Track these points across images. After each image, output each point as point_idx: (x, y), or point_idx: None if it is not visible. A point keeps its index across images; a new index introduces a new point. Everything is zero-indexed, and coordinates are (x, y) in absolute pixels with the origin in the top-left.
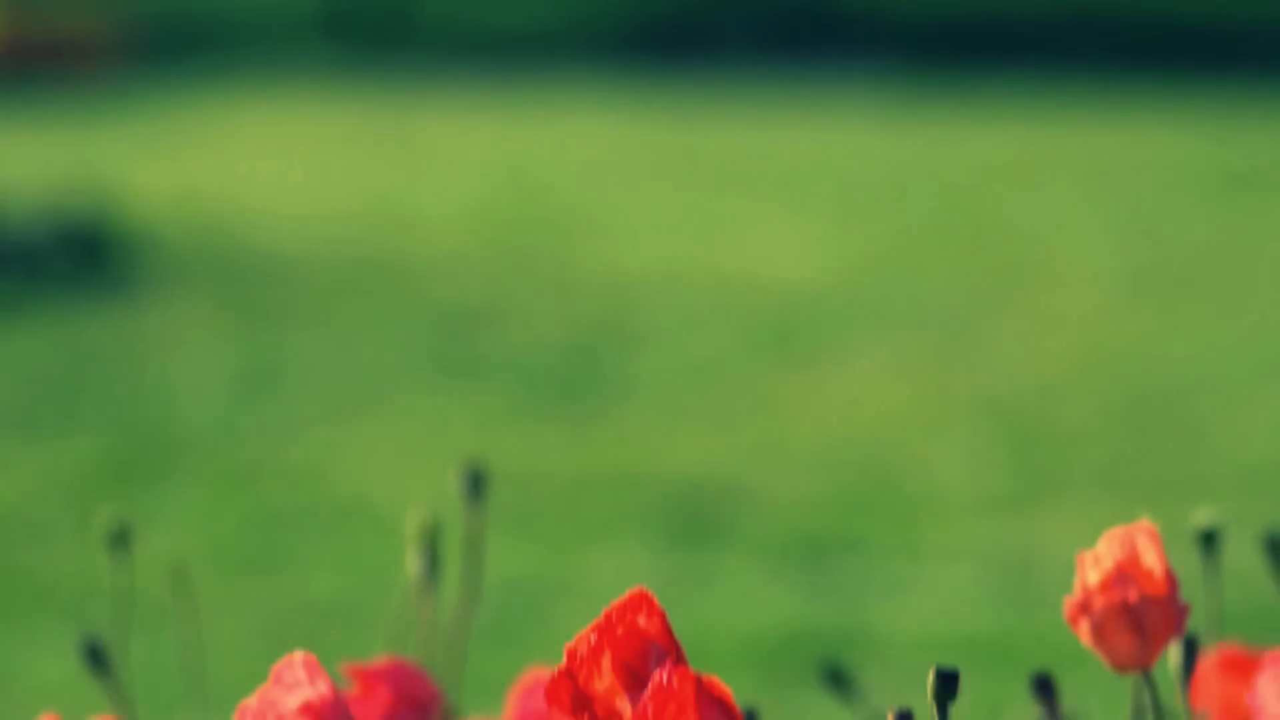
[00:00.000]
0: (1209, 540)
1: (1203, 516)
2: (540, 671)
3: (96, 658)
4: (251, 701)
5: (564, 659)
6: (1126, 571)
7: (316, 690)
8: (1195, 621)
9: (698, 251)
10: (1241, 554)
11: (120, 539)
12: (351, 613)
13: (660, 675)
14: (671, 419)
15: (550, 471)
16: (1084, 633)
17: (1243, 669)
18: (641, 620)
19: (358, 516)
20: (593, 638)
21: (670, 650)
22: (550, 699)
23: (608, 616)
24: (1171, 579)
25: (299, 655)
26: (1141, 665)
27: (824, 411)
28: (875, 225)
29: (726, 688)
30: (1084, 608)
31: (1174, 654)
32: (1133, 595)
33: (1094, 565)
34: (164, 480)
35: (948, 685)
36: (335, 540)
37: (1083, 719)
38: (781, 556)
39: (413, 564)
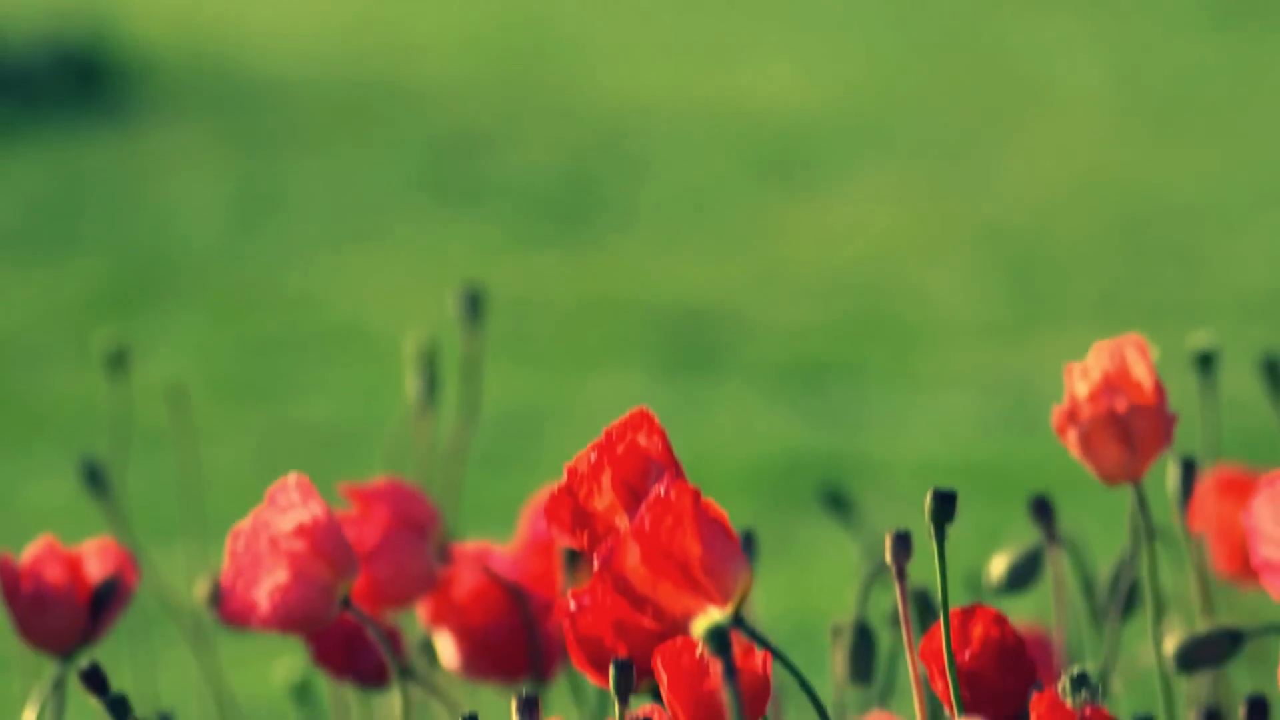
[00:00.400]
0: (1206, 362)
1: (1200, 339)
2: (549, 494)
3: (95, 479)
4: (245, 524)
5: (564, 477)
6: (1114, 382)
7: (310, 512)
8: (1192, 445)
9: (698, 78)
10: (1239, 380)
11: (117, 361)
12: (349, 438)
13: (659, 488)
14: (670, 246)
15: (549, 298)
16: (1072, 443)
17: (1240, 491)
18: (642, 439)
19: (356, 342)
20: (593, 456)
21: (670, 469)
22: (550, 517)
23: (608, 435)
24: (1160, 389)
25: (292, 477)
26: (1130, 476)
27: (823, 238)
28: (876, 52)
29: (722, 510)
30: (1072, 417)
31: (1171, 475)
32: (1120, 405)
33: (1082, 376)
34: (162, 306)
35: (945, 506)
36: (333, 366)
37: (1080, 542)
38: (780, 383)
39: (411, 387)
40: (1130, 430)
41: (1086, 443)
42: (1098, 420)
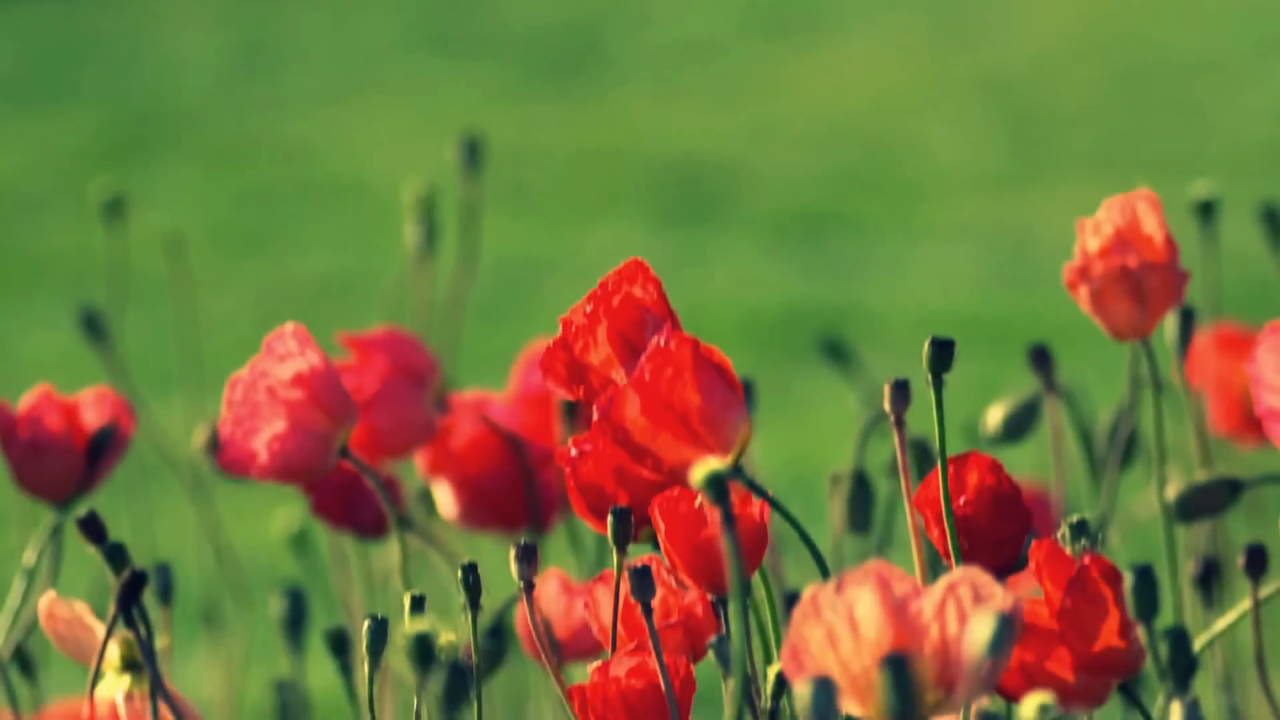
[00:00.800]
0: (1206, 211)
1: (1200, 188)
2: (544, 345)
3: (93, 328)
4: (243, 373)
5: (558, 330)
6: (1126, 237)
7: (308, 360)
8: (1192, 296)
9: None
10: (1239, 232)
11: (114, 211)
12: (347, 288)
13: (658, 338)
14: (670, 97)
15: (547, 149)
16: (1083, 300)
17: (1239, 347)
18: (637, 291)
19: (354, 193)
20: (588, 308)
21: (666, 320)
22: (545, 370)
23: (603, 286)
24: (1171, 245)
25: (290, 326)
26: (1140, 333)
27: (822, 90)
28: None
29: (724, 356)
30: (1083, 274)
31: (1170, 327)
32: (1132, 261)
33: (1094, 232)
34: (159, 157)
35: (943, 354)
36: (331, 217)
37: (1078, 393)
38: (778, 235)
39: (410, 236)
40: (1142, 287)
41: (1098, 299)
42: (1109, 277)
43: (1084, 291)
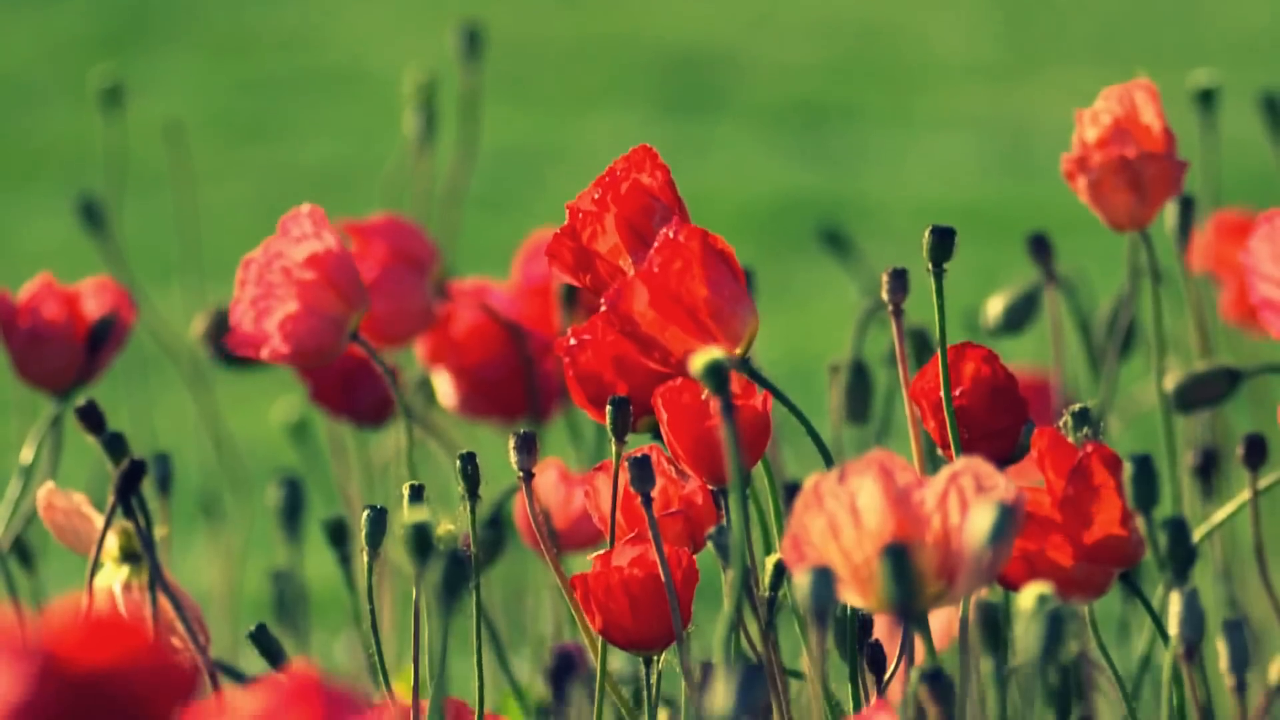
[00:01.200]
0: (1207, 99)
1: (1200, 76)
2: (546, 234)
3: (92, 216)
4: (256, 254)
5: (565, 217)
6: (1124, 127)
7: (324, 243)
8: (1192, 185)
9: None
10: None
11: (113, 99)
12: (347, 178)
13: (667, 230)
14: None
15: (546, 38)
16: (1081, 190)
17: (1241, 233)
18: (645, 178)
19: (354, 83)
20: (595, 194)
21: (674, 208)
22: (552, 258)
23: (610, 173)
24: (1169, 135)
25: (306, 208)
26: (1139, 223)
27: None
28: None
29: (729, 245)
30: (1082, 164)
31: (1170, 216)
32: (1130, 151)
33: (1092, 122)
34: (159, 45)
35: (943, 243)
36: (331, 106)
37: (1078, 282)
38: (777, 124)
39: (410, 125)
40: (1140, 177)
41: (1096, 190)
42: (1108, 167)
43: (1082, 182)
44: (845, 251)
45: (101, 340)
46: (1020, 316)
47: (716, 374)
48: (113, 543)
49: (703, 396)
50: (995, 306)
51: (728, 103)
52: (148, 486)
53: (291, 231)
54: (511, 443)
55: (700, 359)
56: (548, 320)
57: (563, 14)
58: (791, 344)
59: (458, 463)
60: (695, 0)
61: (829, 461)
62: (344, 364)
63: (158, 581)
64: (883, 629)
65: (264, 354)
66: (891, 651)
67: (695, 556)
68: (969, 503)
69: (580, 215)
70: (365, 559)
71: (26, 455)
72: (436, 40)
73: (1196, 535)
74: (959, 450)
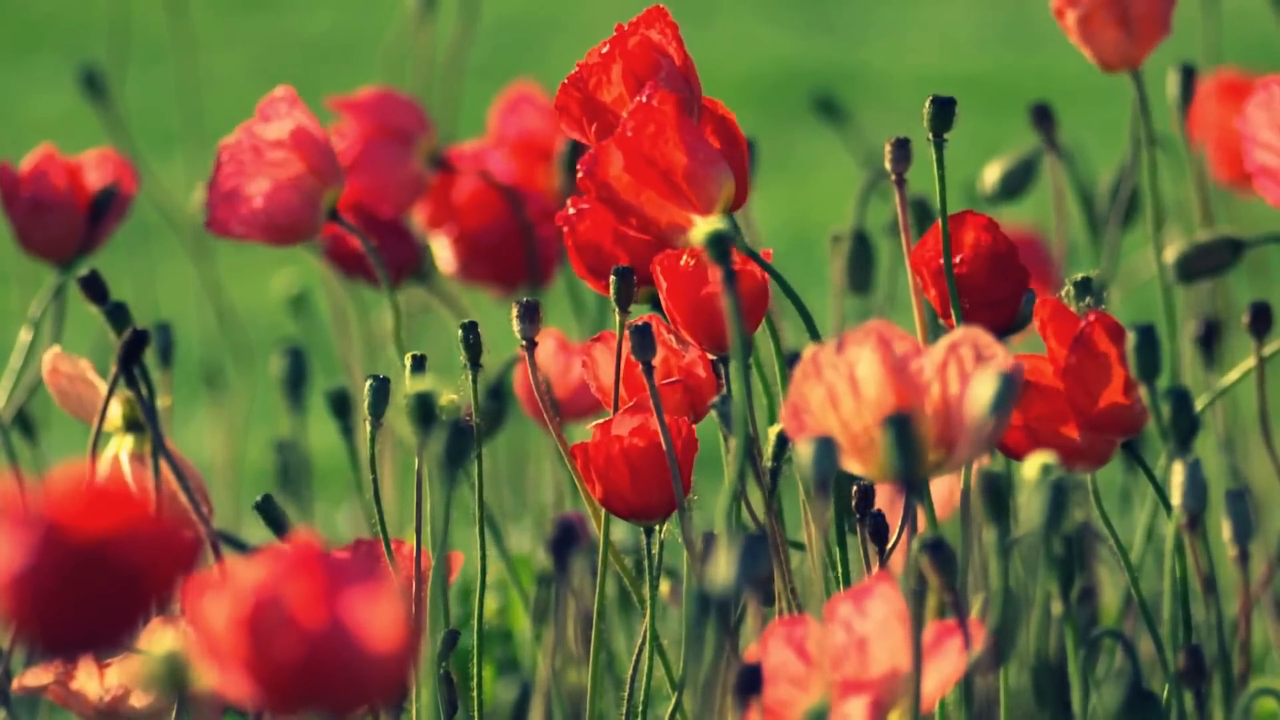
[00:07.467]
0: None
1: None
2: (526, 87)
3: (94, 86)
4: (232, 137)
5: (575, 70)
6: None
7: (294, 120)
8: (1193, 53)
9: None
10: None
11: None
12: (349, 47)
13: (641, 95)
14: None
15: None
16: (1070, 27)
17: (1241, 96)
18: (654, 35)
19: None
20: (605, 48)
21: (683, 66)
22: (559, 109)
23: (620, 29)
24: None
25: (280, 89)
26: (1129, 63)
27: None
28: None
29: (729, 111)
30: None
31: (1171, 82)
32: None
33: None
34: None
35: (944, 113)
36: None
37: (1080, 153)
38: None
39: None
40: (1128, 13)
41: (1085, 25)
42: (1097, 2)
43: (1071, 18)
44: (840, 120)
45: (103, 210)
46: (1018, 182)
47: (718, 243)
48: (116, 412)
49: (687, 260)
50: (993, 173)
51: None
52: (150, 358)
53: (266, 113)
54: (514, 311)
55: (702, 228)
56: (533, 178)
57: None
58: (793, 213)
59: (460, 332)
60: None
61: (815, 336)
62: (359, 225)
63: (161, 451)
64: (884, 499)
65: (237, 231)
66: (894, 523)
67: (695, 426)
68: (968, 372)
69: (587, 67)
70: (368, 429)
71: (28, 329)
72: None
73: (1199, 405)
74: (960, 318)
